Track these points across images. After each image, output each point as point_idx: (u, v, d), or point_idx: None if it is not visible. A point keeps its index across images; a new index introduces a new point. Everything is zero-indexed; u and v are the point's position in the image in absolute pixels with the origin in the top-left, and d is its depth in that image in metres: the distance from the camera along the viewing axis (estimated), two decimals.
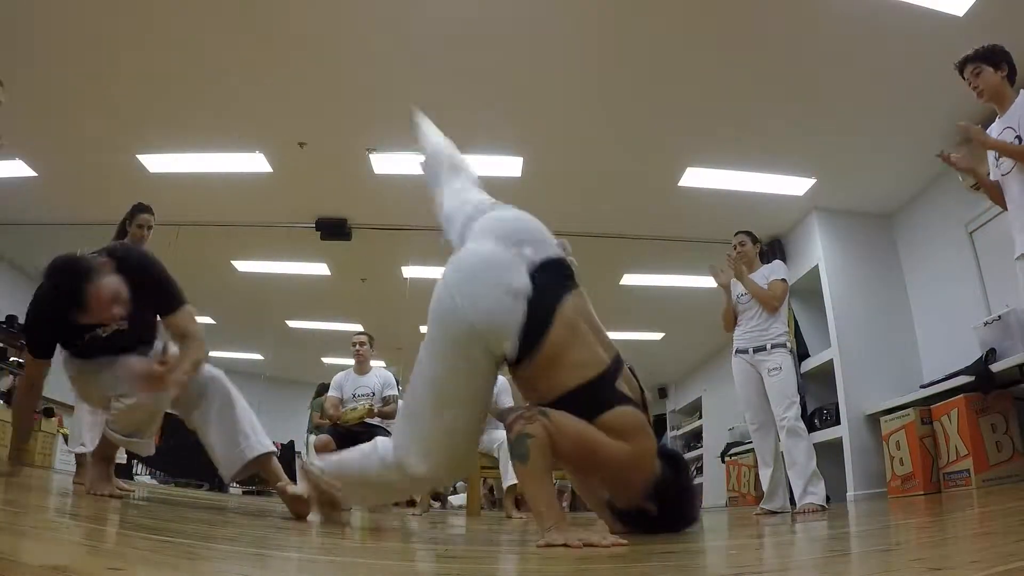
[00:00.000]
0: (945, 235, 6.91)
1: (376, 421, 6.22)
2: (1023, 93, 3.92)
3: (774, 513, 5.11)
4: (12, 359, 9.98)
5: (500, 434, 5.98)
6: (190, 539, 1.75)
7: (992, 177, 4.07)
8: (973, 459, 5.34)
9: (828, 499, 6.25)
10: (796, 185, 7.50)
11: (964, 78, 4.09)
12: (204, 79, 6.13)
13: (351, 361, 7.00)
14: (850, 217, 7.91)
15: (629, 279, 9.98)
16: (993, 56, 4.00)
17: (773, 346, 5.31)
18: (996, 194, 4.07)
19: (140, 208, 5.28)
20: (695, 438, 14.62)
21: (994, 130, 4.00)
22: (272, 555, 1.62)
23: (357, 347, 6.86)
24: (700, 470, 13.92)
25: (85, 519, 2.14)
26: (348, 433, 5.92)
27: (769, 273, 5.54)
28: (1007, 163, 3.93)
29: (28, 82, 5.88)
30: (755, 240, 5.78)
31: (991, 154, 4.08)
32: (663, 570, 1.71)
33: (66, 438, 9.76)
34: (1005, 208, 4.02)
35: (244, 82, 6.15)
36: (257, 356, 14.82)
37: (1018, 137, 3.81)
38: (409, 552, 1.96)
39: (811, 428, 7.44)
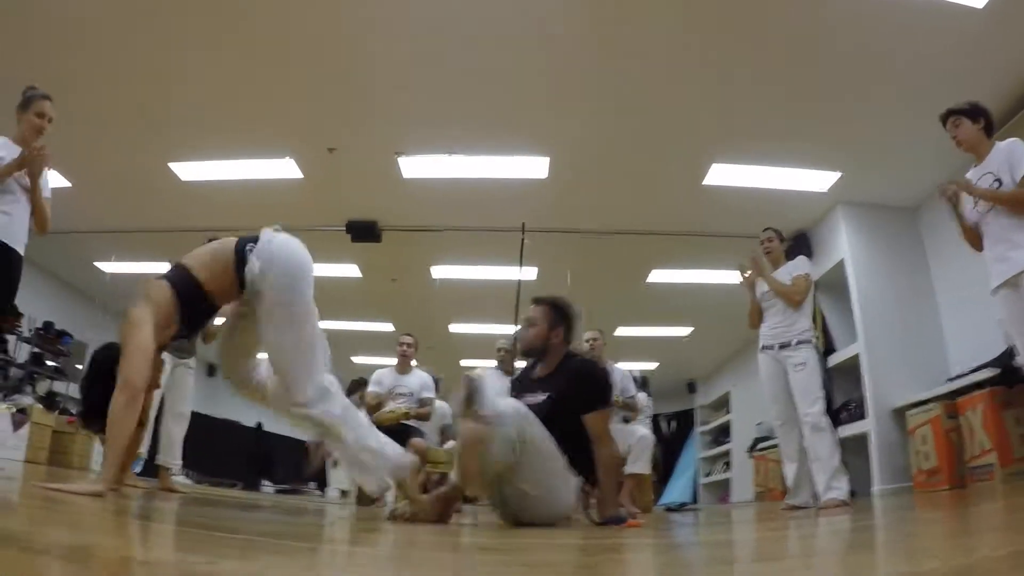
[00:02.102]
0: None
1: (412, 422, 6.32)
2: (997, 143, 4.32)
3: (799, 508, 5.19)
4: (48, 363, 10.23)
5: None
6: (252, 536, 1.87)
7: (971, 218, 4.41)
8: (998, 453, 5.34)
9: (854, 493, 6.31)
10: (821, 179, 7.52)
11: (945, 128, 4.46)
12: (235, 89, 6.31)
13: (381, 359, 7.15)
14: (875, 210, 7.90)
15: (656, 275, 10.05)
16: (972, 111, 4.40)
17: (798, 342, 5.38)
18: (973, 236, 4.41)
19: (213, 238, 5.63)
20: (723, 433, 14.63)
21: (971, 176, 4.39)
22: (337, 550, 1.73)
23: (404, 348, 7.00)
24: (728, 465, 13.95)
25: (146, 519, 2.27)
26: (385, 432, 6.00)
27: (792, 269, 5.62)
28: (984, 204, 4.28)
29: (60, 95, 6.05)
30: (782, 238, 5.87)
31: (968, 197, 4.41)
32: (686, 561, 1.82)
33: (103, 440, 9.98)
34: (979, 250, 4.38)
35: (274, 90, 6.31)
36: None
37: (998, 180, 4.18)
38: (454, 544, 2.07)
39: (837, 422, 7.46)
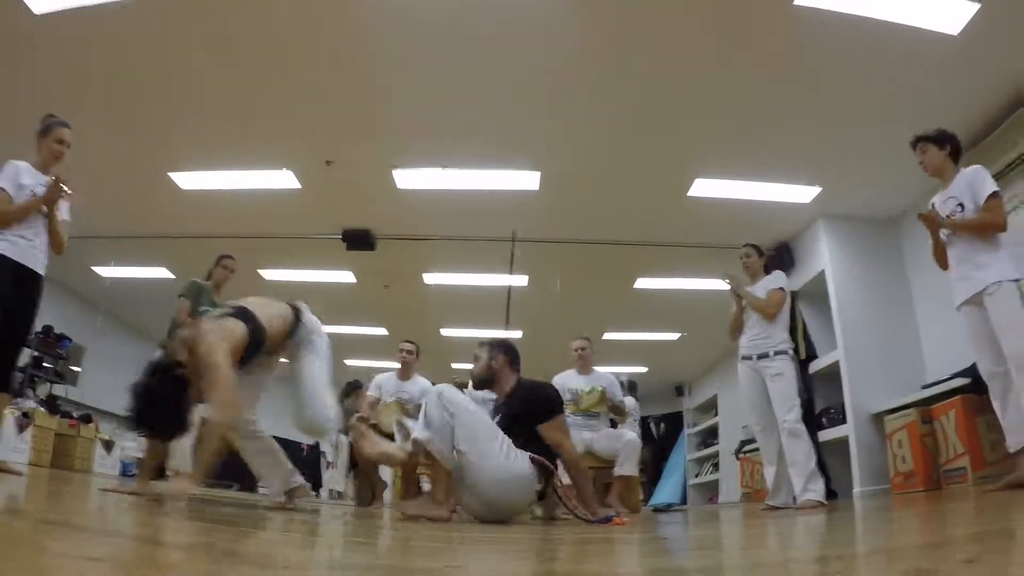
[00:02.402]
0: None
1: (410, 423, 6.45)
2: (962, 170, 4.59)
3: (778, 508, 5.41)
4: (46, 365, 10.38)
5: None
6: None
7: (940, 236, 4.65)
8: (970, 457, 5.59)
9: (836, 495, 6.53)
10: (802, 193, 7.76)
11: (915, 151, 4.76)
12: (236, 104, 6.51)
13: (374, 363, 7.25)
14: (855, 222, 8.14)
15: (642, 282, 10.30)
16: (939, 138, 4.69)
17: (776, 353, 5.60)
18: (942, 256, 4.67)
19: (225, 256, 6.30)
20: (711, 435, 14.87)
21: (937, 200, 4.68)
22: (352, 542, 1.93)
23: (404, 354, 7.11)
24: (716, 466, 14.15)
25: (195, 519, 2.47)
26: (383, 436, 6.14)
27: (768, 284, 5.84)
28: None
29: (62, 107, 6.22)
30: (760, 253, 6.07)
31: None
32: (667, 548, 2.03)
33: (104, 443, 10.19)
34: (944, 267, 4.66)
35: (274, 106, 6.53)
36: (282, 360, 15.07)
37: (960, 205, 4.47)
38: (449, 537, 2.26)
39: (819, 427, 7.70)
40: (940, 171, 4.68)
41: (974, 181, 4.45)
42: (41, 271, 4.62)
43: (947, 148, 4.66)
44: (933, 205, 4.68)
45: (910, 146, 4.79)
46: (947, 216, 4.53)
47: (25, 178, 4.53)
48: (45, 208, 4.60)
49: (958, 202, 4.48)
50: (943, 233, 4.58)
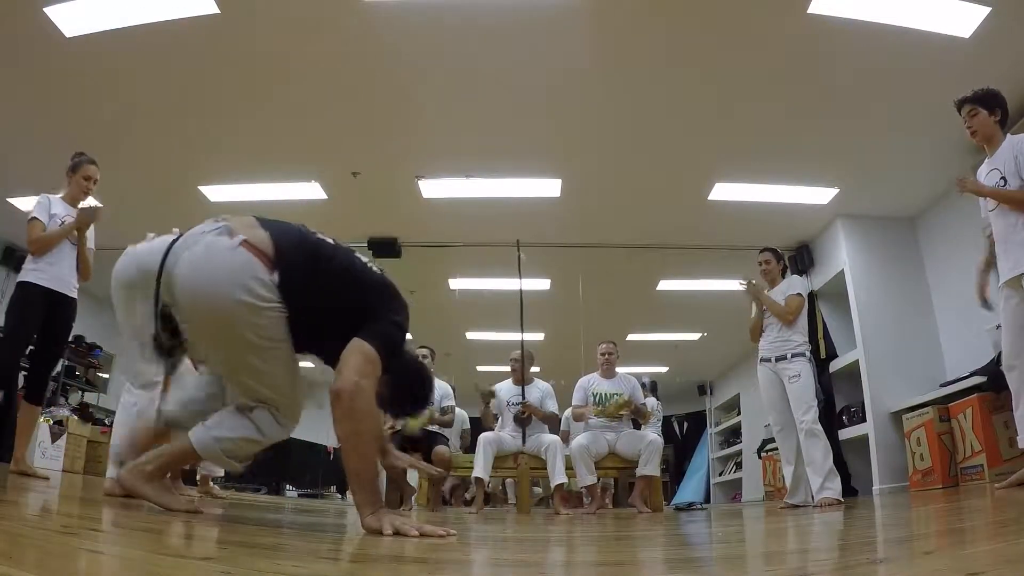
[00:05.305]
0: (966, 236, 6.92)
1: (435, 428, 6.58)
2: (1009, 137, 4.29)
3: (797, 507, 5.52)
4: (78, 374, 10.55)
5: (548, 437, 6.41)
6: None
7: (982, 214, 4.49)
8: (987, 455, 5.67)
9: (856, 492, 6.59)
10: (820, 195, 7.86)
11: (961, 115, 4.43)
12: (266, 122, 6.73)
13: None
14: (874, 222, 8.21)
15: (665, 284, 10.45)
16: (989, 100, 4.34)
17: (793, 355, 5.70)
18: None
19: None
20: (735, 434, 14.93)
21: (983, 170, 4.41)
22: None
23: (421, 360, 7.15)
24: (740, 465, 14.17)
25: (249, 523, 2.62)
26: (409, 439, 6.17)
27: (787, 289, 5.93)
28: (992, 201, 4.31)
29: (92, 126, 6.44)
30: (779, 258, 6.15)
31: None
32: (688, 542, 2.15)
33: None
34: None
35: (303, 122, 6.75)
36: (308, 364, 15.23)
37: (1003, 178, 4.19)
38: (470, 544, 2.39)
39: (839, 425, 7.78)
40: (989, 138, 4.34)
41: (1021, 151, 4.14)
42: (73, 295, 4.94)
43: (997, 113, 4.32)
44: (977, 175, 4.44)
45: (955, 108, 4.47)
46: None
47: (56, 208, 4.88)
48: (75, 235, 4.91)
49: (1001, 175, 4.22)
50: (987, 204, 4.36)
